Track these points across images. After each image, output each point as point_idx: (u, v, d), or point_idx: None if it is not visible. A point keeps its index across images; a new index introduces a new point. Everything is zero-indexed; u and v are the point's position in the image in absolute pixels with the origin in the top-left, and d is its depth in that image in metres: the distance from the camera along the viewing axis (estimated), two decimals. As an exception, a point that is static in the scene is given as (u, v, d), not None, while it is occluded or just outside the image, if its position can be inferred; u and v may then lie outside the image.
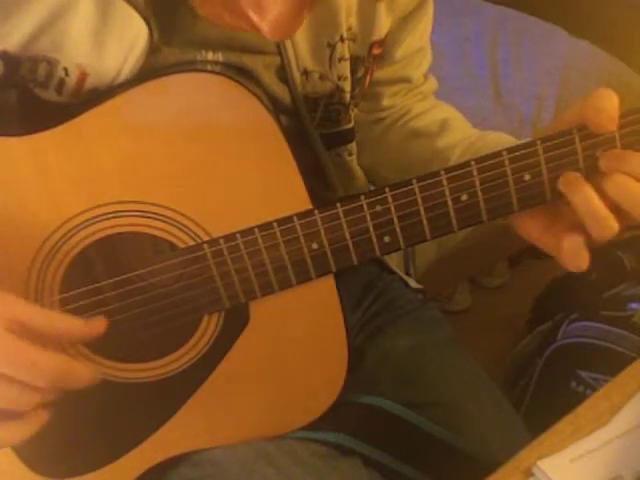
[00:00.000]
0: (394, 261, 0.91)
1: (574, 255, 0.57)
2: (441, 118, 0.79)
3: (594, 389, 1.13)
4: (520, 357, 1.38)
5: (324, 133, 0.73)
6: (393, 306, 0.83)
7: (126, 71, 0.60)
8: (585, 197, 0.56)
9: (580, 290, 1.33)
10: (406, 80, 0.81)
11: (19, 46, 0.59)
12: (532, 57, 1.59)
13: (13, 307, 0.53)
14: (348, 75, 0.71)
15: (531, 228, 0.61)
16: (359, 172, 0.80)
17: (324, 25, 0.67)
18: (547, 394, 1.24)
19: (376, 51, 0.73)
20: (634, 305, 1.20)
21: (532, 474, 0.57)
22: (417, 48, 0.79)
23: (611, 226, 0.56)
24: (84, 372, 0.54)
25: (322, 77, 0.69)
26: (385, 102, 0.81)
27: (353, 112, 0.75)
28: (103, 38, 0.59)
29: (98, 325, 0.56)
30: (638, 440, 0.58)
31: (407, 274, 0.92)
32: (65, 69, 0.60)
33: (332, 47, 0.68)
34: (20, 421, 0.54)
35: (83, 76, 0.60)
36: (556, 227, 0.60)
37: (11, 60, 0.59)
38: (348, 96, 0.72)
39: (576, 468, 0.57)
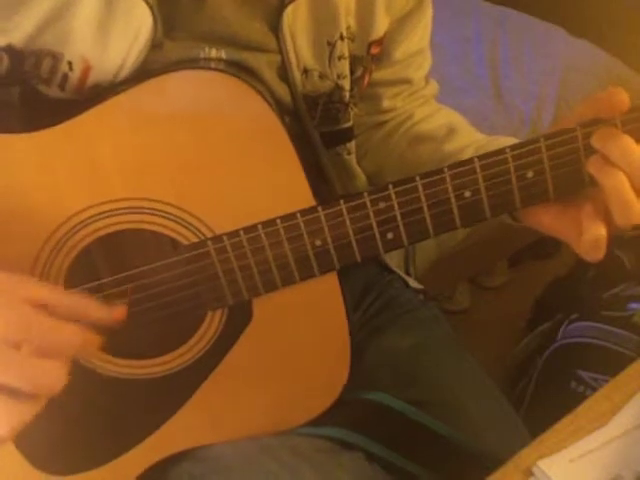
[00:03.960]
0: (394, 261, 0.91)
1: (594, 247, 0.57)
2: (447, 122, 0.79)
3: (594, 389, 1.13)
4: (520, 357, 1.38)
5: (323, 132, 0.73)
6: (393, 305, 0.83)
7: (129, 63, 0.61)
8: (618, 180, 0.55)
9: (580, 290, 1.33)
10: (406, 81, 0.81)
11: (24, 40, 0.59)
12: (532, 57, 1.59)
13: (32, 288, 0.53)
14: (347, 74, 0.71)
15: (541, 216, 0.61)
16: (358, 171, 0.80)
17: (324, 23, 0.67)
18: (547, 394, 1.24)
19: (374, 50, 0.73)
20: (634, 305, 1.20)
21: (532, 474, 0.57)
22: (416, 50, 0.79)
23: (637, 212, 0.55)
24: (96, 340, 0.54)
25: (322, 76, 0.69)
26: (385, 104, 0.81)
27: (352, 111, 0.75)
28: (108, 27, 0.59)
29: (118, 310, 0.57)
30: (638, 440, 0.58)
31: (407, 274, 0.92)
32: (69, 63, 0.60)
33: (332, 45, 0.68)
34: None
35: (87, 69, 0.60)
36: (570, 212, 0.59)
37: (16, 54, 0.60)
38: (347, 95, 0.72)
39: (576, 468, 0.57)
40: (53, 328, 0.51)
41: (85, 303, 0.55)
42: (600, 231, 0.56)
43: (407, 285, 0.87)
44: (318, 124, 0.72)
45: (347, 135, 0.76)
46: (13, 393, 0.50)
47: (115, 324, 0.56)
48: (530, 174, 0.58)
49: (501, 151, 0.58)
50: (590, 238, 0.56)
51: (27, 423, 0.53)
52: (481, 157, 0.58)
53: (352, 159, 0.79)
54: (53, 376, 0.51)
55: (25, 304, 0.51)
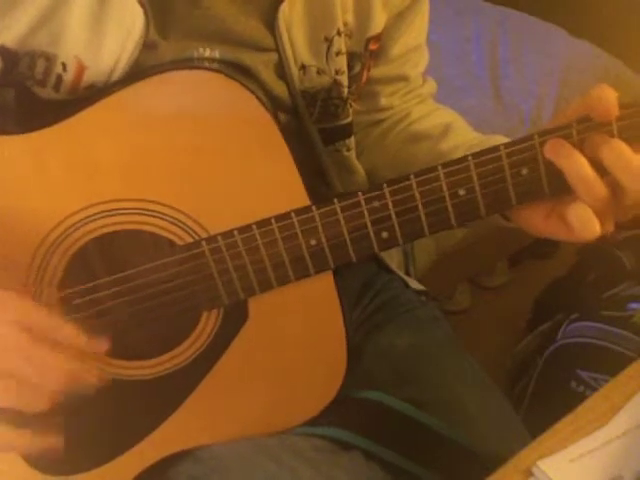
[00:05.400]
0: (394, 261, 0.91)
1: (583, 222, 0.56)
2: (443, 122, 0.79)
3: (594, 389, 1.13)
4: (520, 357, 1.38)
5: (322, 128, 0.73)
6: (392, 304, 0.83)
7: (123, 62, 0.61)
8: (575, 160, 0.55)
9: (580, 290, 1.33)
10: (403, 78, 0.81)
11: (18, 41, 0.59)
12: (532, 57, 1.59)
13: (26, 309, 0.54)
14: (345, 69, 0.71)
15: (532, 218, 0.61)
16: (358, 167, 0.80)
17: (320, 19, 0.67)
18: (547, 394, 1.24)
19: (373, 47, 0.73)
20: (634, 305, 1.20)
21: (532, 474, 0.57)
22: (414, 46, 0.79)
23: (599, 190, 0.55)
24: (94, 376, 0.56)
25: (320, 71, 0.69)
26: (383, 101, 0.81)
27: (351, 108, 0.75)
28: (100, 27, 0.59)
29: (100, 345, 0.58)
30: (638, 440, 0.58)
31: (407, 274, 0.92)
32: (63, 64, 0.60)
33: (329, 41, 0.68)
34: (34, 432, 0.55)
35: (81, 70, 0.61)
36: (558, 210, 0.59)
37: (10, 55, 0.60)
38: (346, 90, 0.72)
39: (576, 468, 0.57)
40: (44, 358, 0.53)
41: (68, 333, 0.56)
42: (582, 209, 0.55)
43: (406, 285, 0.87)
44: (317, 120, 0.72)
45: (346, 131, 0.76)
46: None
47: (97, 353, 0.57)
48: (525, 171, 0.58)
49: (495, 149, 0.57)
50: (575, 218, 0.56)
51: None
52: (475, 155, 0.58)
53: (352, 155, 0.79)
54: (40, 404, 0.53)
55: (20, 331, 0.52)
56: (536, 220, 0.61)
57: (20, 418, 0.54)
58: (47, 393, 0.53)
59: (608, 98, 0.54)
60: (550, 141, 0.56)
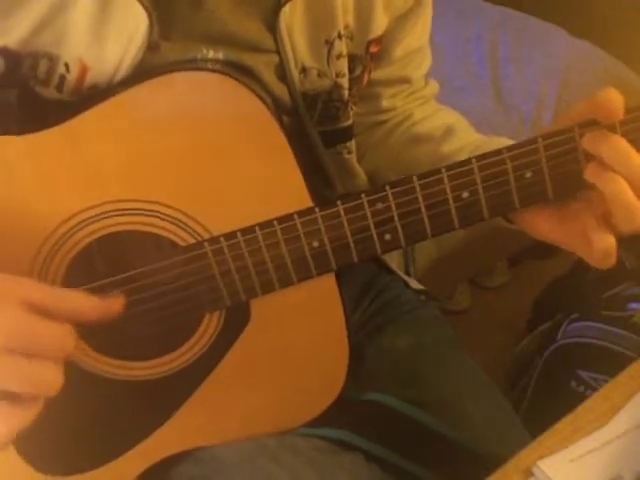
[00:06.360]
0: (394, 261, 0.91)
1: (607, 256, 0.56)
2: (445, 123, 0.79)
3: (594, 389, 1.13)
4: (520, 357, 1.38)
5: (323, 131, 0.73)
6: (393, 305, 0.83)
7: (126, 64, 0.61)
8: (620, 187, 0.54)
9: (580, 290, 1.33)
10: (405, 80, 0.81)
11: (20, 42, 0.59)
12: (532, 57, 1.59)
13: (26, 288, 0.53)
14: (346, 72, 0.71)
15: (535, 221, 0.61)
16: (359, 170, 0.80)
17: (321, 22, 0.67)
18: (547, 394, 1.25)
19: (373, 49, 0.73)
20: (634, 305, 1.20)
21: (532, 474, 0.57)
22: (416, 48, 0.79)
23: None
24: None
25: (320, 74, 0.69)
26: (385, 103, 0.81)
27: (352, 110, 0.75)
28: (103, 29, 0.59)
29: (115, 302, 0.56)
30: (638, 440, 0.58)
31: (407, 274, 0.92)
32: (66, 65, 0.60)
33: (330, 44, 0.68)
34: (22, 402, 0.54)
35: (84, 70, 0.61)
36: (570, 221, 0.59)
37: (12, 57, 0.60)
38: (347, 93, 0.72)
39: (576, 468, 0.57)
40: (45, 329, 0.51)
41: (81, 304, 0.54)
42: (609, 240, 0.56)
43: (407, 285, 0.87)
44: (317, 123, 0.72)
45: (347, 134, 0.76)
46: (11, 397, 0.50)
47: (113, 317, 0.56)
48: (528, 174, 0.58)
49: (499, 152, 0.57)
50: (601, 249, 0.56)
51: (26, 426, 0.53)
52: (479, 158, 0.58)
53: (352, 158, 0.79)
54: (50, 377, 0.51)
55: (18, 307, 0.51)
56: (539, 223, 0.61)
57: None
58: (54, 364, 0.52)
59: (613, 100, 0.54)
60: (589, 165, 0.56)
